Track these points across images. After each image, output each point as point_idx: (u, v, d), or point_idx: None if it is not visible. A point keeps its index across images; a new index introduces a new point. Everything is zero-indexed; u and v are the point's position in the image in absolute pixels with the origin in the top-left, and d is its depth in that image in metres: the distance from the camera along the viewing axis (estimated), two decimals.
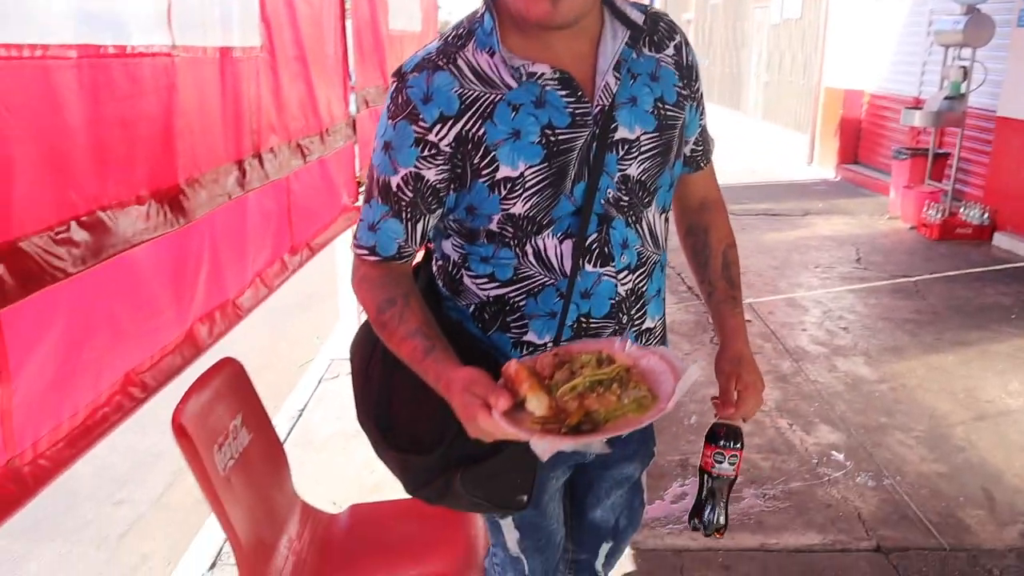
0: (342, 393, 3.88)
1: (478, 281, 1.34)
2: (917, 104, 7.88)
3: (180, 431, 1.60)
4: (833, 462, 3.26)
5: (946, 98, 6.88)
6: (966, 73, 6.83)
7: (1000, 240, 6.68)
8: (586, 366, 1.13)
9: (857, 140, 10.03)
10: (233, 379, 1.88)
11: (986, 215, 6.81)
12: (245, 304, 2.45)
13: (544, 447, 1.05)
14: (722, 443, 1.40)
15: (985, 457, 3.33)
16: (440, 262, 1.42)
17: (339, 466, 3.24)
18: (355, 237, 1.34)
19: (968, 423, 3.62)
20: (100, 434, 1.71)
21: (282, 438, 3.00)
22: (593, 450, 1.17)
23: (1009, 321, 4.90)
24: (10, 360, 1.42)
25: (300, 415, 3.68)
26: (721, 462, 1.41)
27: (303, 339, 4.80)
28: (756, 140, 12.75)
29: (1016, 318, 4.95)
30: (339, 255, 4.16)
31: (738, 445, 1.41)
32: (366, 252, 1.32)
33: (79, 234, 1.57)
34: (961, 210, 6.97)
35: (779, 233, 7.13)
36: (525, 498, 1.31)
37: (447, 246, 1.38)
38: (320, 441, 3.45)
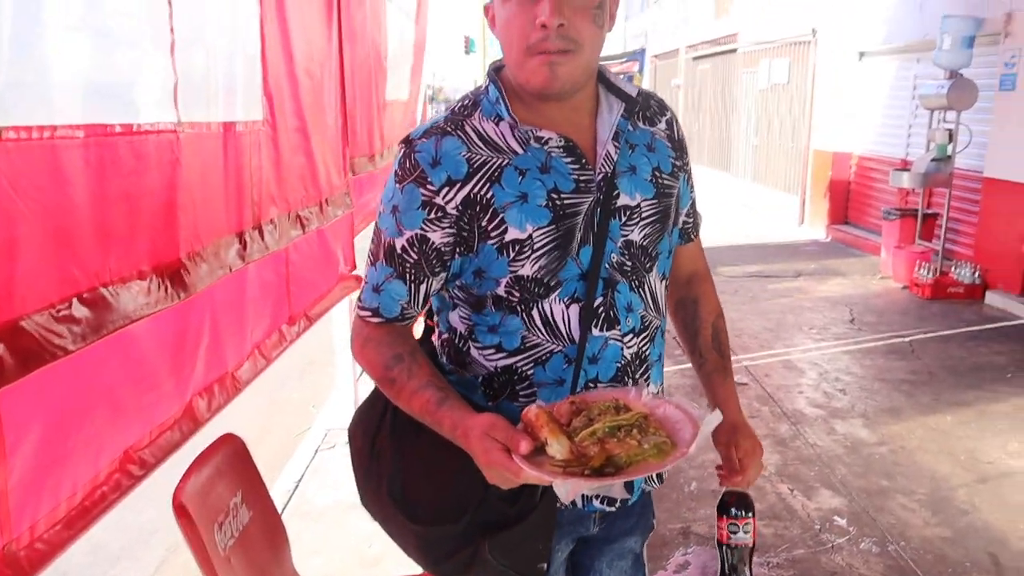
0: (339, 463, 3.83)
1: (485, 352, 1.34)
2: (904, 165, 8.01)
3: (180, 511, 1.58)
4: (836, 528, 3.22)
5: (933, 160, 7.00)
6: (951, 135, 6.96)
7: (992, 299, 6.72)
8: (604, 413, 1.14)
9: (846, 201, 10.16)
10: (233, 456, 1.86)
11: (977, 274, 6.87)
12: (243, 377, 2.44)
13: (567, 489, 1.06)
14: (735, 512, 1.40)
15: (989, 520, 3.29)
16: (445, 335, 1.42)
17: (337, 539, 3.18)
18: (359, 300, 1.36)
19: (970, 485, 3.59)
20: (98, 514, 1.68)
21: (279, 509, 2.96)
22: (614, 494, 1.17)
23: (1005, 380, 4.91)
24: (7, 439, 1.40)
25: (296, 486, 3.63)
26: (736, 532, 1.40)
27: (299, 408, 4.76)
28: (747, 202, 12.89)
29: (1012, 377, 4.96)
30: (335, 323, 4.16)
31: (750, 513, 1.41)
32: (369, 314, 1.33)
33: (80, 311, 1.57)
34: (952, 269, 7.03)
35: (773, 294, 7.16)
36: (545, 566, 1.31)
37: (453, 318, 1.38)
38: (317, 512, 3.39)
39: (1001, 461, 3.83)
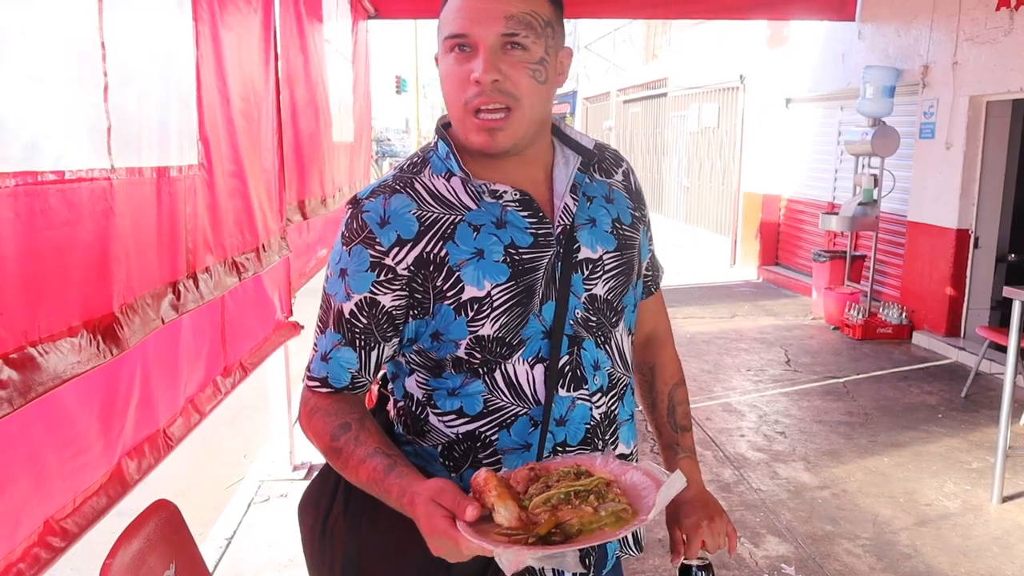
0: (273, 518, 3.67)
1: (445, 419, 1.27)
2: (832, 209, 8.24)
3: None
4: (784, 575, 3.21)
5: (860, 204, 7.21)
6: (876, 180, 7.20)
7: (919, 339, 6.92)
8: (562, 479, 1.07)
9: (777, 243, 10.40)
10: (166, 524, 1.73)
11: (904, 315, 7.06)
12: (176, 433, 2.31)
13: (508, 559, 0.96)
14: None
15: (931, 564, 3.32)
16: (401, 403, 1.34)
17: None
18: (308, 369, 1.28)
19: (911, 528, 3.63)
20: None
21: (210, 569, 2.80)
22: (566, 567, 1.05)
23: (937, 420, 5.01)
24: None
25: (228, 544, 3.46)
26: None
27: (230, 458, 4.57)
28: (679, 242, 13.10)
29: (943, 417, 5.07)
30: (269, 369, 4.01)
31: None
32: (318, 384, 1.26)
33: (7, 372, 1.45)
34: (880, 310, 7.22)
35: (708, 336, 7.23)
36: None
37: (410, 384, 1.31)
38: (251, 572, 3.23)
39: (939, 503, 3.89)
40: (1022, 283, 3.90)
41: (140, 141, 2.10)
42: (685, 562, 1.37)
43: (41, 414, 1.63)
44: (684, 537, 1.34)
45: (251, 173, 2.85)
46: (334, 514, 1.31)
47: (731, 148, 11.36)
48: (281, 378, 4.00)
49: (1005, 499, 3.89)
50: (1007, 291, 3.88)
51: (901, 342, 6.94)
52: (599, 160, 1.36)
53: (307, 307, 4.03)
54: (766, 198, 10.43)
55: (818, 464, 4.34)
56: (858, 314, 7.17)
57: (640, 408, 1.52)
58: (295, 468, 4.10)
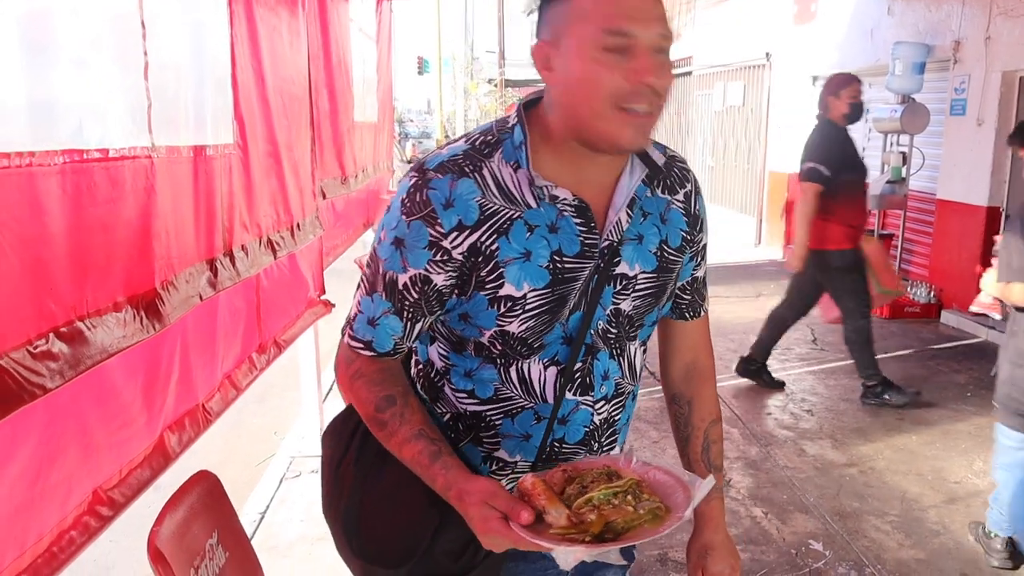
0: (305, 494, 3.73)
1: (458, 394, 1.33)
2: None
3: (156, 556, 1.50)
4: (812, 552, 3.22)
5: (888, 182, 7.13)
6: (905, 158, 7.11)
7: (947, 318, 6.86)
8: (596, 480, 1.13)
9: None
10: (207, 494, 1.78)
11: (932, 294, 7.00)
12: (214, 408, 2.36)
13: (568, 556, 1.06)
14: None
15: (960, 540, 3.32)
16: (421, 366, 1.39)
17: (306, 573, 3.09)
18: (350, 328, 1.29)
19: (940, 506, 3.63)
20: (65, 560, 1.60)
21: None
22: (611, 560, 1.15)
23: (965, 399, 4.98)
24: None
25: (262, 518, 3.52)
26: None
27: (260, 435, 4.64)
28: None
29: (972, 396, 5.04)
30: (300, 347, 4.06)
31: None
32: (362, 346, 1.28)
33: (58, 346, 1.49)
34: (908, 289, 7.16)
35: (734, 315, 7.21)
36: None
37: (432, 352, 1.36)
38: (285, 546, 3.29)
39: (968, 480, 3.88)
40: None
41: (178, 120, 2.13)
42: None
43: (89, 387, 1.68)
44: None
45: (285, 152, 2.88)
46: (347, 460, 1.36)
47: (756, 127, 11.25)
48: (311, 356, 4.05)
49: None
50: None
51: (929, 321, 6.88)
52: (665, 176, 1.34)
53: (332, 287, 4.08)
54: (792, 177, 10.33)
55: (845, 442, 4.34)
56: None
57: (673, 434, 1.53)
58: None
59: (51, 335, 1.45)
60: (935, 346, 6.18)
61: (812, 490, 3.76)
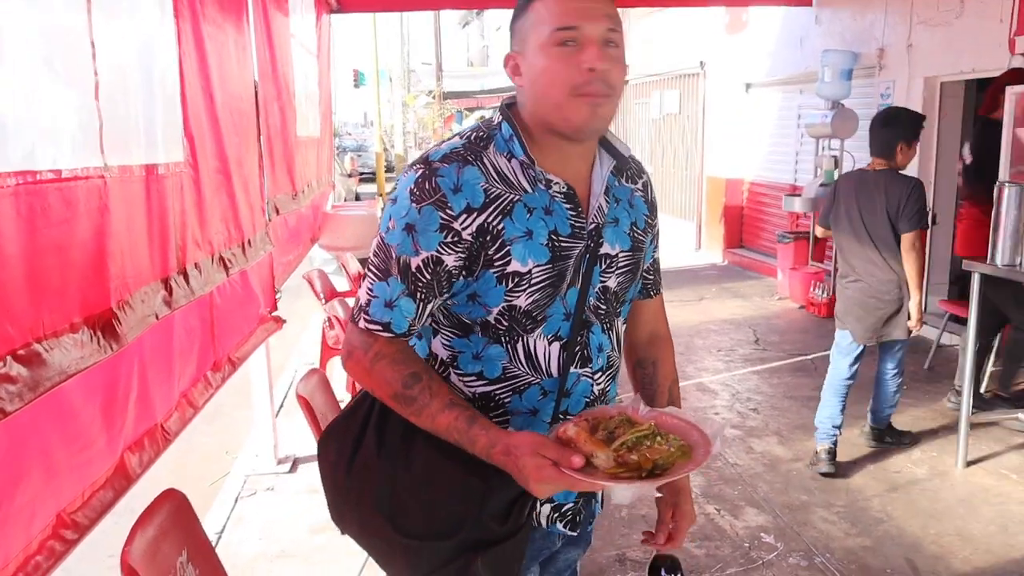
0: (261, 512, 3.71)
1: (466, 379, 1.40)
2: (794, 191, 8.40)
3: (130, 574, 1.49)
4: (764, 544, 3.32)
5: (821, 185, 7.35)
6: (837, 162, 7.35)
7: None
8: (620, 426, 1.24)
9: (741, 225, 10.57)
10: (176, 512, 1.77)
11: None
12: (173, 428, 2.35)
13: (627, 492, 1.17)
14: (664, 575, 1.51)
15: (902, 527, 3.46)
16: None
17: None
18: (365, 313, 1.35)
19: (882, 495, 3.76)
20: None
21: None
22: (653, 496, 1.27)
23: (902, 392, 5.16)
24: None
25: (219, 537, 3.48)
26: None
27: (213, 455, 4.58)
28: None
29: (908, 388, 5.20)
30: (252, 365, 4.03)
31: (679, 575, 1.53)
32: (380, 328, 1.34)
33: (16, 368, 1.48)
34: None
35: (678, 319, 7.35)
36: None
37: (436, 345, 1.42)
38: (244, 565, 3.26)
39: (907, 470, 4.04)
40: (979, 258, 4.04)
41: (129, 139, 2.13)
42: (656, 561, 1.53)
43: (49, 409, 1.66)
44: (673, 525, 1.52)
45: (235, 168, 2.88)
46: (363, 453, 1.40)
47: (693, 134, 11.50)
48: (263, 373, 4.02)
49: (969, 463, 4.05)
50: (966, 264, 4.03)
51: None
52: (627, 167, 1.50)
53: (281, 303, 4.06)
54: (729, 182, 10.59)
55: (791, 438, 4.47)
56: (823, 293, 7.33)
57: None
58: (279, 462, 4.13)
59: (8, 358, 1.45)
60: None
61: (762, 485, 3.87)
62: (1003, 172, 5.55)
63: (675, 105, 12.00)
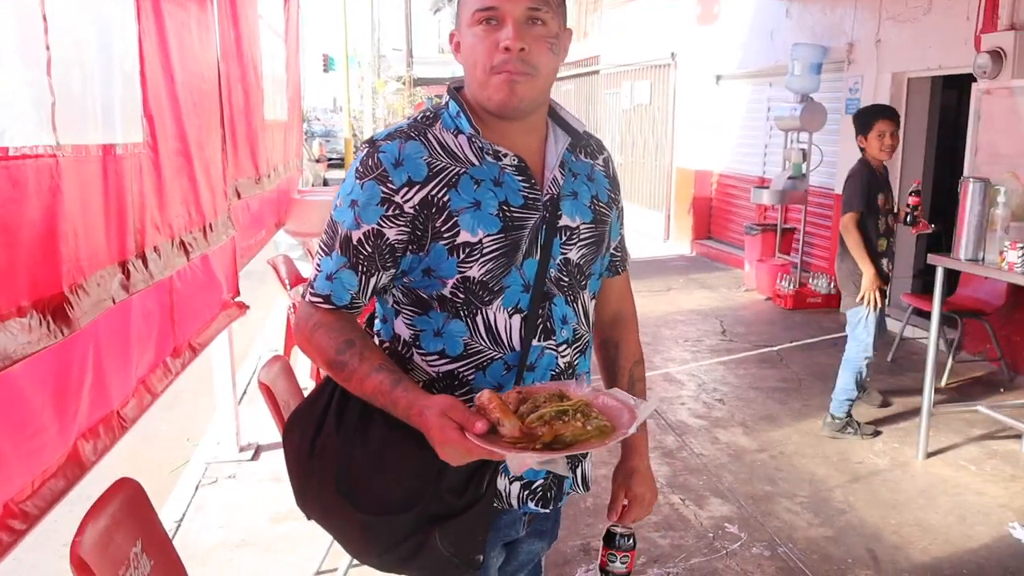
0: (222, 499, 3.65)
1: (428, 358, 1.41)
2: (762, 183, 8.45)
3: (80, 566, 1.44)
4: (728, 534, 3.33)
5: (789, 177, 7.42)
6: (805, 155, 7.41)
7: None
8: (549, 400, 1.22)
9: (709, 217, 10.63)
10: (130, 501, 1.72)
11: (832, 285, 7.30)
12: (129, 415, 2.29)
13: (519, 461, 1.16)
14: (616, 544, 1.57)
15: (864, 518, 3.49)
16: (388, 343, 1.47)
17: None
18: (311, 287, 1.39)
19: (845, 485, 3.80)
20: None
21: None
22: (558, 470, 1.26)
23: (865, 384, 5.21)
24: None
25: (179, 526, 3.42)
26: (614, 562, 1.57)
27: (171, 442, 4.50)
28: None
29: (871, 381, 5.27)
30: (214, 351, 3.96)
31: (629, 544, 1.58)
32: (321, 300, 1.37)
33: None
34: (810, 281, 7.46)
35: (646, 309, 7.37)
36: (481, 557, 1.37)
37: (399, 326, 1.44)
38: (203, 553, 3.21)
39: (869, 460, 4.08)
40: (942, 252, 4.09)
41: (85, 118, 2.06)
42: (611, 529, 1.59)
43: None
44: (626, 502, 1.58)
45: (196, 150, 2.81)
46: (324, 435, 1.40)
47: (663, 125, 11.52)
48: (225, 359, 3.96)
49: (929, 455, 4.11)
50: (931, 258, 4.07)
51: (830, 311, 7.16)
52: (585, 144, 1.52)
53: (245, 288, 3.99)
54: (698, 173, 10.63)
55: (756, 428, 4.50)
56: (789, 285, 7.39)
57: (602, 378, 1.66)
58: (242, 449, 4.08)
59: None
60: (836, 335, 6.43)
61: (726, 476, 3.89)
62: (967, 168, 5.63)
63: (646, 96, 12.02)
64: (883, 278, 4.22)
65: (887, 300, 4.43)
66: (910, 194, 4.48)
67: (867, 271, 4.14)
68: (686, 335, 6.49)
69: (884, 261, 4.27)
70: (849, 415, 4.40)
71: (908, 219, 4.45)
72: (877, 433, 4.42)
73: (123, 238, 2.23)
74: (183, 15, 2.74)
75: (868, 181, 4.26)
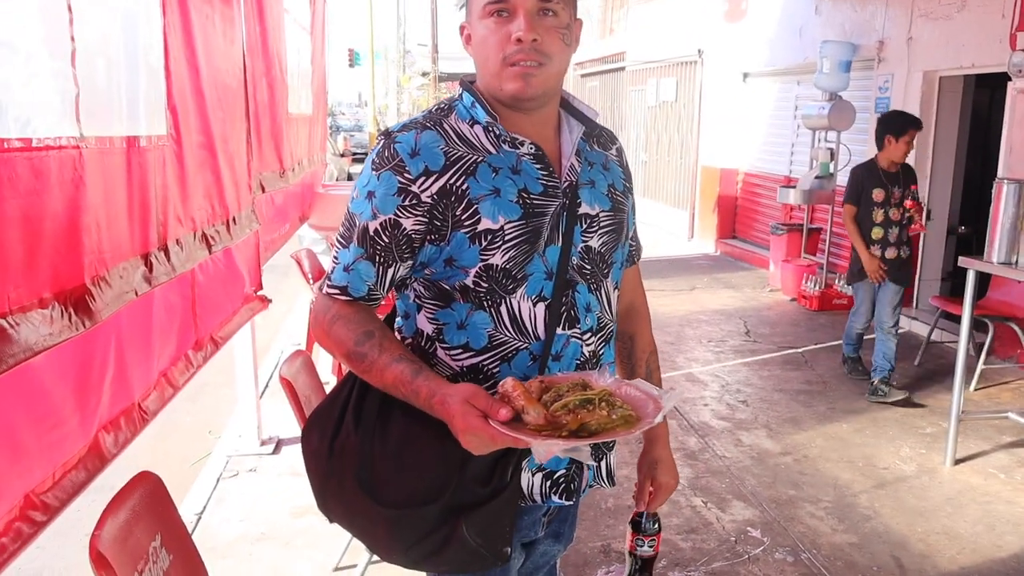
0: (243, 493, 3.66)
1: (452, 352, 1.39)
2: (788, 183, 8.35)
3: (99, 560, 1.43)
4: (751, 539, 3.29)
5: (817, 177, 7.32)
6: (833, 154, 7.31)
7: None
8: (572, 390, 1.21)
9: (734, 216, 10.53)
10: (150, 495, 1.72)
11: None
12: (151, 407, 2.29)
13: (544, 449, 1.14)
14: (643, 528, 1.63)
15: (889, 524, 3.43)
16: (410, 340, 1.45)
17: (246, 573, 3.02)
18: (328, 280, 1.39)
19: (870, 491, 3.74)
20: None
21: None
22: (583, 459, 1.23)
23: (892, 387, 5.14)
24: None
25: (199, 519, 3.43)
26: (642, 545, 1.63)
27: (194, 434, 4.52)
28: (638, 217, 13.15)
29: (898, 385, 5.20)
30: (236, 345, 3.97)
31: (655, 528, 1.63)
32: (338, 291, 1.37)
33: None
34: (836, 282, 7.36)
35: (669, 308, 7.32)
36: (508, 550, 1.35)
37: (421, 321, 1.42)
38: (224, 547, 3.21)
39: (896, 466, 4.01)
40: (973, 254, 4.01)
41: (109, 110, 2.06)
42: (637, 516, 1.64)
43: (15, 387, 1.60)
44: (652, 491, 1.61)
45: (220, 144, 2.81)
46: (343, 434, 1.39)
47: (689, 122, 11.43)
48: (248, 352, 3.96)
49: (957, 461, 4.03)
50: (962, 261, 3.99)
51: None
52: (598, 134, 1.52)
53: (269, 282, 3.99)
54: (723, 172, 10.54)
55: (780, 431, 4.44)
56: (814, 286, 7.31)
57: (617, 370, 1.65)
58: (263, 443, 4.08)
59: None
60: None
61: (749, 479, 3.84)
62: (1001, 169, 5.53)
63: (672, 93, 11.93)
64: (884, 262, 4.84)
65: (914, 303, 4.51)
66: (907, 198, 4.88)
67: (861, 255, 4.86)
68: (710, 335, 6.43)
69: (875, 246, 4.86)
70: (885, 381, 4.83)
71: (905, 220, 4.89)
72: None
73: (146, 230, 2.22)
74: (208, 9, 2.74)
75: (863, 178, 4.89)
